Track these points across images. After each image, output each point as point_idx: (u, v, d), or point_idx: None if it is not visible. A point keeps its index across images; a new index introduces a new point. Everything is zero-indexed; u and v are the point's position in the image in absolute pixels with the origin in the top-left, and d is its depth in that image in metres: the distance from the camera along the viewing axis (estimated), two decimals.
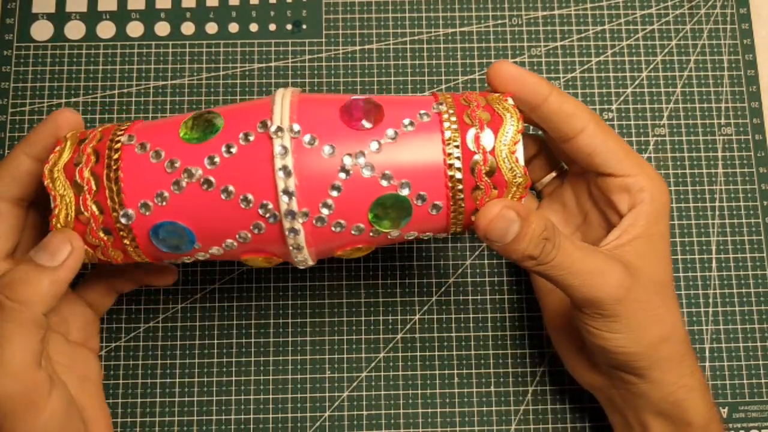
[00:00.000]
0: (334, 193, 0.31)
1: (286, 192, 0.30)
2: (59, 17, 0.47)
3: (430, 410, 0.42)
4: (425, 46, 0.47)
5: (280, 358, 0.42)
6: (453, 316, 0.43)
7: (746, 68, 0.47)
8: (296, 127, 0.31)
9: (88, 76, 0.46)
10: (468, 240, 0.44)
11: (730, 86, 0.47)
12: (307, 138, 0.31)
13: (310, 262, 0.33)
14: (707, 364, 0.43)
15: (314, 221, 0.31)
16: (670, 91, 0.47)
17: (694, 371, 0.35)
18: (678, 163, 0.46)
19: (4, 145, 0.45)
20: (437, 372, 0.43)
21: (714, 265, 0.44)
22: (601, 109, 0.46)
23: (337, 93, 0.46)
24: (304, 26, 0.47)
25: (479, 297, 0.44)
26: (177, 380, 0.42)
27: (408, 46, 0.47)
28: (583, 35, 0.48)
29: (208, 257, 0.33)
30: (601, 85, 0.47)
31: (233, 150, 0.31)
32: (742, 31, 0.48)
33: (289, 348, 0.43)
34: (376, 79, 0.46)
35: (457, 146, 0.31)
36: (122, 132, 0.32)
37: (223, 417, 0.42)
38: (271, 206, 0.31)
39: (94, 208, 0.31)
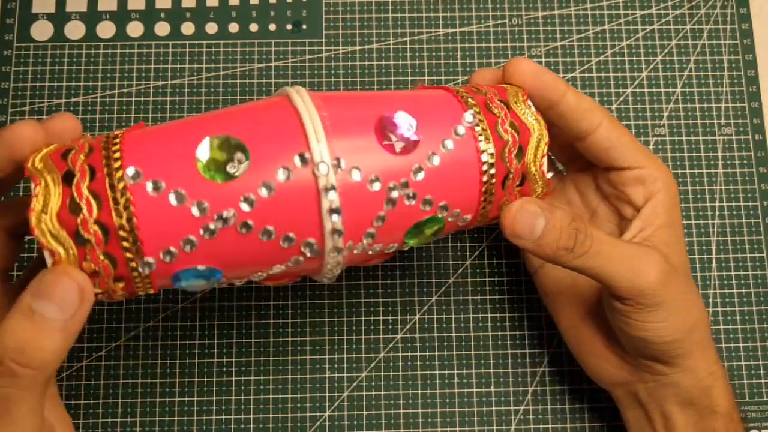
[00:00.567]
0: (379, 224, 0.30)
1: (333, 231, 0.29)
2: (59, 17, 0.47)
3: (430, 410, 0.42)
4: (425, 46, 0.47)
5: (280, 358, 0.42)
6: (453, 316, 0.43)
7: (746, 68, 0.47)
8: (339, 161, 0.28)
9: (88, 76, 0.46)
10: (468, 240, 0.44)
11: (730, 86, 0.47)
12: (353, 174, 0.29)
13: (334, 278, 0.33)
14: None
15: (354, 250, 0.30)
16: (670, 91, 0.47)
17: (718, 359, 0.36)
18: (678, 163, 0.46)
19: None
20: (437, 372, 0.43)
21: (714, 265, 0.44)
22: None
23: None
24: (304, 26, 0.47)
25: (479, 297, 0.44)
26: (177, 380, 0.42)
27: (408, 46, 0.47)
28: (583, 35, 0.48)
29: (224, 283, 0.30)
30: (601, 85, 0.47)
31: (273, 189, 0.28)
32: (742, 31, 0.48)
33: (289, 348, 0.43)
34: (376, 79, 0.46)
35: (492, 164, 0.31)
36: (117, 154, 0.27)
37: (223, 417, 0.42)
38: (315, 244, 0.29)
39: (106, 260, 0.27)
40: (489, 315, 0.43)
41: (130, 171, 0.27)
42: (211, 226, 0.27)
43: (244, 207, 0.27)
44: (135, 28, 0.47)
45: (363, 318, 0.43)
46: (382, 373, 0.42)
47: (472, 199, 0.32)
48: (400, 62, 0.47)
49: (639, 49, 0.47)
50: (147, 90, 0.46)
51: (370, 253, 0.31)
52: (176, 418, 0.42)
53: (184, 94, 0.46)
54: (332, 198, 0.28)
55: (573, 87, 0.36)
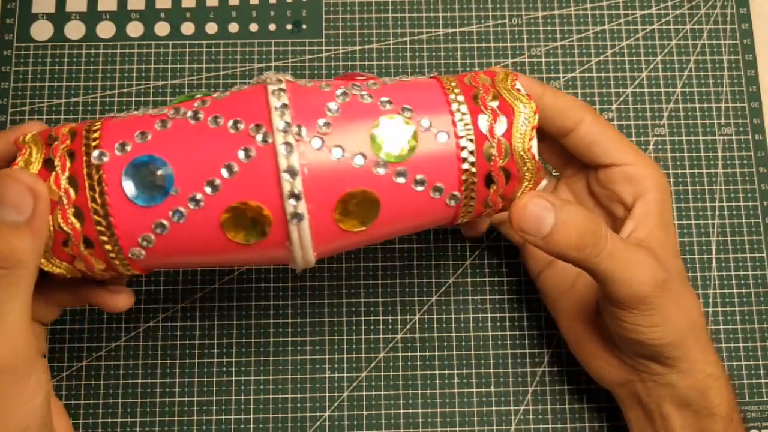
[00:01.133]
0: (332, 107, 0.29)
1: (280, 105, 0.28)
2: (59, 17, 0.47)
3: (430, 410, 0.42)
4: (425, 46, 0.47)
5: (280, 358, 0.42)
6: (453, 316, 0.43)
7: (746, 68, 0.47)
8: (290, 77, 0.30)
9: (88, 76, 0.46)
10: (468, 240, 0.44)
11: (730, 86, 0.47)
12: (302, 81, 0.30)
13: (305, 216, 0.28)
14: None
15: (310, 139, 0.28)
16: (670, 91, 0.47)
17: (717, 360, 0.36)
18: (678, 163, 0.46)
19: None
20: (437, 372, 0.43)
21: (714, 265, 0.44)
22: (601, 109, 0.46)
23: None
24: (304, 26, 0.47)
25: (479, 297, 0.44)
26: (177, 380, 0.42)
27: (408, 46, 0.47)
28: (583, 35, 0.48)
29: (184, 215, 0.28)
30: (601, 85, 0.47)
31: (226, 93, 0.30)
32: (742, 31, 0.48)
33: (289, 348, 0.43)
34: None
35: (472, 152, 0.30)
36: (96, 127, 0.29)
37: (223, 417, 0.42)
38: (263, 127, 0.28)
39: (65, 155, 0.28)
40: (489, 315, 0.43)
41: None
42: (167, 123, 0.29)
43: (198, 104, 0.29)
44: (135, 28, 0.47)
45: (363, 318, 0.43)
46: (382, 373, 0.42)
47: (442, 107, 0.30)
48: (400, 62, 0.47)
49: (639, 49, 0.47)
50: (147, 90, 0.46)
51: (333, 156, 0.28)
52: (176, 418, 0.42)
53: (183, 94, 0.46)
54: (280, 86, 0.29)
55: (551, 87, 0.36)
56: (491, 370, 0.43)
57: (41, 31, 0.47)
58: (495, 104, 0.30)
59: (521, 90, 0.31)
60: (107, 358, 0.42)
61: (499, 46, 0.47)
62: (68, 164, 0.28)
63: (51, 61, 0.46)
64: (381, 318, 0.43)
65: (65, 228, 0.28)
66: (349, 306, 0.43)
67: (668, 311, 0.34)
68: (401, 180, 0.29)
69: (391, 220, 0.30)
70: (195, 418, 0.42)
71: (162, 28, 0.47)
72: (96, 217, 0.28)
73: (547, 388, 0.43)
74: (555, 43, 0.47)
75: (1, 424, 0.27)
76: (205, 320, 0.43)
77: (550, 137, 0.38)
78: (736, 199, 0.45)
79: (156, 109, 0.30)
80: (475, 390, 0.42)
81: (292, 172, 0.28)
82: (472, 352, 0.43)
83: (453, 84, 0.31)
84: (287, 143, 0.28)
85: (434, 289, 0.44)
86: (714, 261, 0.44)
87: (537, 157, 0.31)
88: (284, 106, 0.28)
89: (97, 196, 0.28)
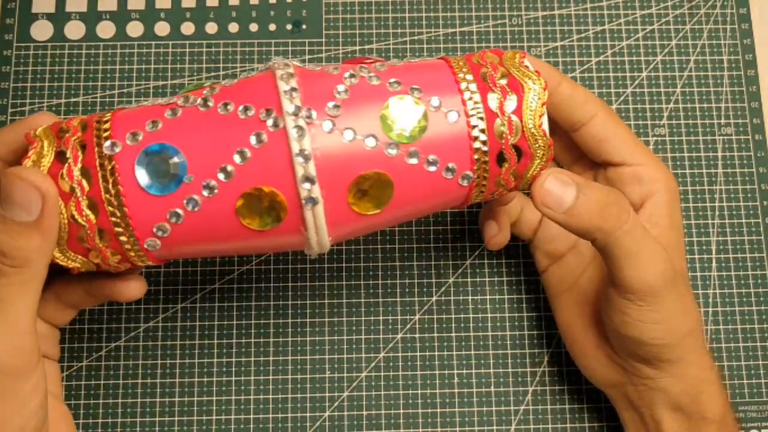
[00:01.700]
0: (341, 89, 0.29)
1: (289, 89, 0.28)
2: (59, 17, 0.47)
3: (430, 410, 0.42)
4: (425, 46, 0.47)
5: (280, 358, 0.42)
6: (453, 316, 0.43)
7: (746, 68, 0.47)
8: (298, 61, 0.30)
9: (88, 76, 0.46)
10: (468, 240, 0.44)
11: (730, 86, 0.47)
12: (309, 65, 0.30)
13: (320, 199, 0.28)
14: None
15: (322, 123, 0.28)
16: (670, 91, 0.47)
17: (713, 365, 0.35)
18: (678, 163, 0.46)
19: None
20: (437, 372, 0.43)
21: (714, 265, 0.44)
22: None
23: None
24: (304, 26, 0.47)
25: (479, 297, 0.44)
26: (177, 380, 0.42)
27: (408, 46, 0.47)
28: (583, 35, 0.48)
29: (199, 203, 0.28)
30: (601, 85, 0.47)
31: (235, 80, 0.30)
32: (742, 31, 0.48)
33: (289, 348, 0.43)
34: None
35: (483, 130, 0.30)
36: (107, 119, 0.29)
37: (223, 417, 0.42)
38: (273, 112, 0.28)
39: (77, 147, 0.28)
40: (489, 315, 0.43)
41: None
42: (176, 108, 0.29)
43: (207, 92, 0.29)
44: (135, 28, 0.47)
45: (363, 318, 0.43)
46: (382, 373, 0.42)
47: (451, 88, 0.30)
48: None
49: (639, 49, 0.47)
50: (147, 90, 0.46)
51: (345, 138, 0.28)
52: (176, 418, 0.42)
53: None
54: (288, 71, 0.29)
55: (569, 78, 0.36)
56: (491, 370, 0.43)
57: (41, 31, 0.47)
58: (504, 82, 0.30)
59: (530, 67, 0.31)
60: (107, 358, 0.42)
61: (499, 46, 0.47)
62: (80, 156, 0.28)
63: (51, 61, 0.46)
64: (381, 318, 0.43)
65: (80, 220, 0.28)
66: (349, 306, 0.43)
67: (672, 311, 0.34)
68: (413, 161, 0.29)
69: (405, 201, 0.30)
70: (195, 418, 0.42)
71: (162, 28, 0.47)
72: (110, 208, 0.28)
73: (547, 388, 0.43)
74: (555, 43, 0.47)
75: None
76: (205, 320, 0.43)
77: (561, 131, 0.38)
78: (736, 199, 0.45)
79: (165, 98, 0.30)
80: (475, 390, 0.42)
81: (305, 156, 0.28)
82: (472, 352, 0.43)
83: (461, 63, 0.31)
84: (298, 127, 0.28)
85: (434, 289, 0.44)
86: (714, 261, 0.44)
87: (548, 133, 0.31)
88: (293, 89, 0.28)
89: (110, 186, 0.27)
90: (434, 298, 0.44)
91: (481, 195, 0.32)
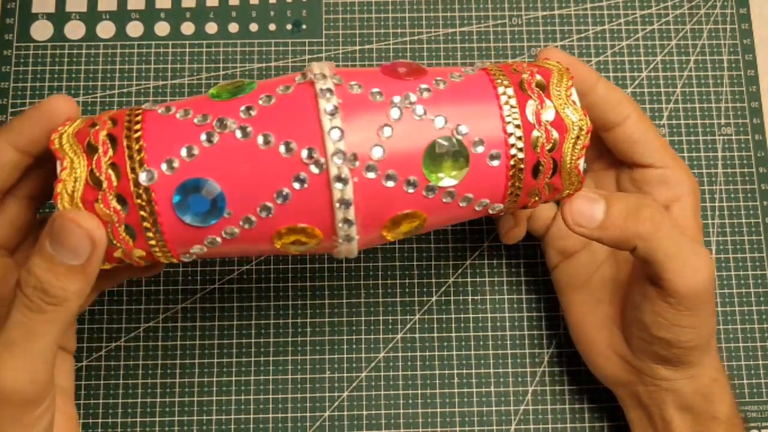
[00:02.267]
0: (386, 134, 0.28)
1: (333, 131, 0.27)
2: (59, 17, 0.47)
3: (430, 410, 0.42)
4: (425, 46, 0.47)
5: (280, 358, 0.42)
6: (453, 316, 0.43)
7: (746, 68, 0.47)
8: (339, 78, 0.29)
9: (88, 76, 0.46)
10: (468, 240, 0.44)
11: (730, 86, 0.47)
12: (352, 85, 0.28)
13: (355, 237, 0.29)
14: None
15: (364, 171, 0.28)
16: (670, 91, 0.47)
17: (721, 365, 0.36)
18: None
19: None
20: (437, 372, 0.43)
21: (714, 265, 0.44)
22: None
23: None
24: (304, 26, 0.47)
25: (479, 297, 0.44)
26: (177, 380, 0.42)
27: (408, 46, 0.47)
28: (583, 35, 0.48)
29: (237, 233, 0.28)
30: None
31: (272, 99, 0.28)
32: (742, 31, 0.48)
33: (289, 348, 0.43)
34: None
35: (520, 148, 0.29)
36: (138, 118, 0.29)
37: (223, 417, 0.42)
38: (316, 152, 0.27)
39: (110, 170, 0.27)
40: (489, 315, 0.43)
41: (148, 103, 0.29)
42: (213, 135, 0.27)
43: (243, 114, 0.28)
44: (135, 28, 0.47)
45: (363, 318, 0.43)
46: (382, 373, 0.42)
47: (495, 124, 0.29)
48: None
49: (639, 49, 0.47)
50: (147, 90, 0.46)
51: (385, 184, 0.28)
52: (176, 418, 0.42)
53: (184, 94, 0.46)
54: (331, 99, 0.28)
55: (604, 78, 0.36)
56: (491, 370, 0.43)
57: (41, 31, 0.47)
58: (550, 118, 0.30)
59: (577, 103, 0.30)
60: (107, 358, 0.42)
61: (499, 46, 0.47)
62: (114, 182, 0.27)
63: (51, 61, 0.46)
64: (381, 318, 0.43)
65: (116, 243, 0.28)
66: (349, 306, 0.43)
67: (706, 314, 0.33)
68: (449, 200, 0.30)
69: (433, 227, 0.32)
70: (195, 418, 0.42)
71: (162, 28, 0.47)
72: (148, 234, 0.28)
73: (547, 388, 0.43)
74: (555, 43, 0.47)
75: None
76: (205, 320, 0.43)
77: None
78: (736, 199, 0.45)
79: (196, 101, 0.29)
80: (475, 390, 0.42)
81: (346, 204, 0.28)
82: (472, 352, 0.43)
83: (510, 93, 0.30)
84: (341, 177, 0.27)
85: (434, 289, 0.44)
86: (714, 261, 0.44)
87: (583, 173, 0.31)
88: (337, 128, 0.27)
89: (147, 215, 0.27)
90: (434, 298, 0.44)
91: (506, 213, 0.33)
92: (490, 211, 0.31)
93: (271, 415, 0.42)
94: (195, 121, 0.28)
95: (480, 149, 0.29)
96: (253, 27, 0.47)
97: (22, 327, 0.27)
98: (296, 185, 0.28)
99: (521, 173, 0.30)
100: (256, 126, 0.28)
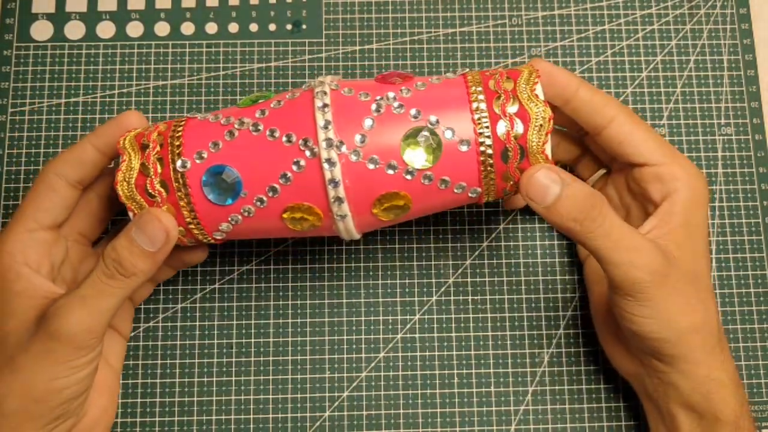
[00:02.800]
0: (368, 124, 0.34)
1: (324, 123, 0.33)
2: (59, 17, 0.47)
3: (430, 410, 0.42)
4: (425, 46, 0.47)
5: (280, 358, 0.42)
6: (453, 316, 0.43)
7: (746, 68, 0.47)
8: (336, 84, 0.35)
9: (88, 76, 0.46)
10: (468, 240, 0.44)
11: (730, 86, 0.47)
12: (345, 89, 0.35)
13: (348, 214, 0.34)
14: None
15: (350, 155, 0.33)
16: (670, 91, 0.47)
17: (726, 365, 0.36)
18: None
19: (3, 144, 0.45)
20: (437, 372, 0.43)
21: (714, 265, 0.44)
22: None
23: None
24: (304, 26, 0.47)
25: (479, 297, 0.44)
26: (177, 380, 0.42)
27: (408, 46, 0.47)
28: (583, 35, 0.48)
29: (253, 212, 0.35)
30: (601, 85, 0.47)
31: (281, 103, 0.35)
32: (742, 31, 0.48)
33: (289, 348, 0.43)
34: None
35: (488, 135, 0.34)
36: (179, 131, 0.35)
37: (223, 417, 0.42)
38: (311, 141, 0.33)
39: (156, 162, 0.34)
40: (489, 315, 0.43)
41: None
42: (233, 131, 0.35)
43: (258, 115, 0.35)
44: (135, 28, 0.47)
45: (363, 318, 0.43)
46: (382, 373, 0.42)
47: (464, 115, 0.34)
48: (400, 62, 0.47)
49: (639, 49, 0.47)
50: (147, 90, 0.46)
51: (369, 165, 0.34)
52: (176, 418, 0.42)
53: (184, 94, 0.46)
54: (324, 98, 0.34)
55: (588, 83, 0.37)
56: (491, 370, 0.43)
57: (41, 31, 0.47)
58: (514, 110, 0.34)
59: (540, 96, 0.34)
60: None
61: (499, 46, 0.47)
62: (159, 170, 0.34)
63: (51, 61, 0.46)
64: (381, 318, 0.43)
65: None
66: (349, 306, 0.43)
67: (665, 306, 0.34)
68: (427, 182, 0.34)
69: (421, 210, 0.36)
70: (195, 418, 0.42)
71: (162, 28, 0.47)
72: (185, 212, 0.35)
73: (547, 388, 0.43)
74: (555, 43, 0.47)
75: (40, 382, 0.33)
76: (205, 320, 0.43)
77: (573, 138, 0.39)
78: (736, 199, 0.45)
79: (227, 111, 0.36)
80: (475, 390, 0.42)
81: (335, 183, 0.33)
82: (472, 352, 0.43)
83: (479, 90, 0.35)
84: (330, 159, 0.33)
85: (434, 289, 0.44)
86: (714, 261, 0.44)
87: (550, 157, 0.34)
88: (328, 123, 0.33)
89: (183, 195, 0.34)
90: (434, 298, 0.44)
91: (489, 197, 0.36)
92: (471, 195, 0.35)
93: (271, 415, 0.42)
94: (222, 122, 0.35)
95: (450, 135, 0.34)
96: (253, 27, 0.47)
97: (95, 287, 0.33)
98: (295, 168, 0.34)
99: (491, 158, 0.34)
100: (266, 123, 0.35)
